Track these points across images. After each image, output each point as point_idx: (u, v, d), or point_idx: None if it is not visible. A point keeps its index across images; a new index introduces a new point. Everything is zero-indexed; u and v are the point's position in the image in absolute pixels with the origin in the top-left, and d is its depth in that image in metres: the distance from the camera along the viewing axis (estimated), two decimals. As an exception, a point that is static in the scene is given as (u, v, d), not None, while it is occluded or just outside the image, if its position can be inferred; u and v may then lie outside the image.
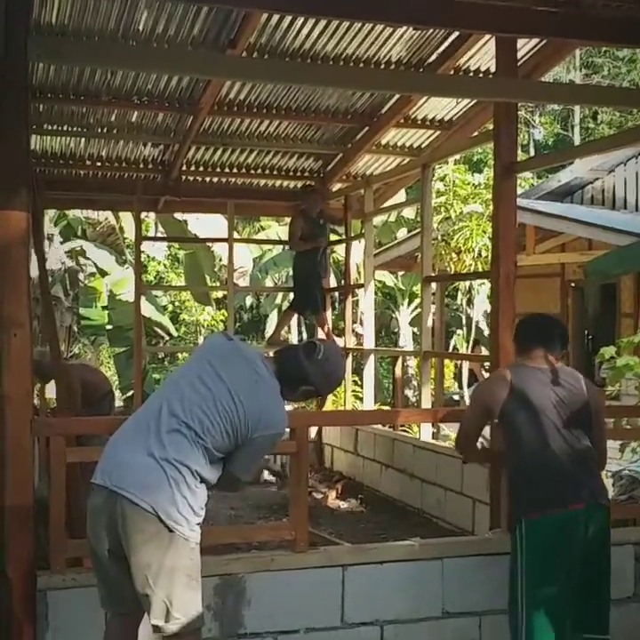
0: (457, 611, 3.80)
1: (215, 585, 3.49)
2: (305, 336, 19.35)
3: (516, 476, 3.58)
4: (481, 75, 7.05)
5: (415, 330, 17.29)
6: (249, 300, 21.97)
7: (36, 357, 4.04)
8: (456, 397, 14.59)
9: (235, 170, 9.13)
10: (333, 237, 9.96)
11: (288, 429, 3.38)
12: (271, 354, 3.37)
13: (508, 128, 5.86)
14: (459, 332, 13.78)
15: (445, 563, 3.82)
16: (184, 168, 8.91)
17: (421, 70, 6.90)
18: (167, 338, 16.03)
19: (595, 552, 3.43)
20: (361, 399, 9.34)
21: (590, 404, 3.65)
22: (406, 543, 4.03)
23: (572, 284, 14.19)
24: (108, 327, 12.47)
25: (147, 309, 11.61)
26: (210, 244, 13.80)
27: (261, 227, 19.58)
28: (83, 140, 8.29)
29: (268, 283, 17.97)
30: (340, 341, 9.03)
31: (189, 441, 3.00)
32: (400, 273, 16.26)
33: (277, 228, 16.85)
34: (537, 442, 3.54)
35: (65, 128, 7.95)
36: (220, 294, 17.23)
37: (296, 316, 14.27)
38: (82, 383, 7.40)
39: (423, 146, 8.67)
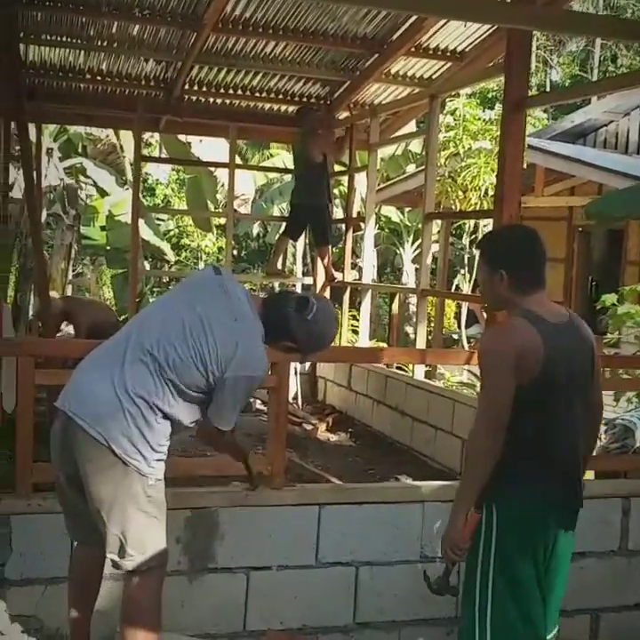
0: (436, 555, 3.72)
1: (186, 517, 3.41)
2: (310, 267, 19.23)
3: (523, 462, 2.76)
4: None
5: (418, 266, 17.13)
6: (256, 229, 21.74)
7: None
8: (455, 336, 14.50)
9: (239, 91, 8.86)
10: (338, 168, 9.71)
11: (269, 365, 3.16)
12: (262, 295, 3.20)
13: (520, 60, 5.64)
14: (462, 271, 13.61)
15: (426, 506, 3.73)
16: (187, 87, 8.64)
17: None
18: (168, 262, 15.87)
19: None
20: (358, 333, 9.24)
21: (594, 358, 2.95)
22: (386, 485, 3.95)
23: (580, 229, 14.01)
24: (107, 248, 12.30)
25: (145, 233, 11.43)
26: (213, 169, 13.53)
27: (270, 154, 19.18)
28: (82, 52, 8.02)
29: (275, 212, 17.68)
30: (338, 275, 8.87)
31: (152, 373, 2.84)
32: (406, 209, 16.01)
33: (286, 156, 16.52)
34: (562, 429, 2.79)
35: (64, 39, 7.69)
36: (222, 221, 16.99)
37: (301, 246, 14.21)
38: (91, 326, 7.34)
39: (434, 77, 8.40)
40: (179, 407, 2.89)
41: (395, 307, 8.07)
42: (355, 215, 9.37)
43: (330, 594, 3.64)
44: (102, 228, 12.42)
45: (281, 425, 3.56)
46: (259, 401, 8.01)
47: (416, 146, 14.91)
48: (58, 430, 2.92)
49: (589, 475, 4.07)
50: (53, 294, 11.78)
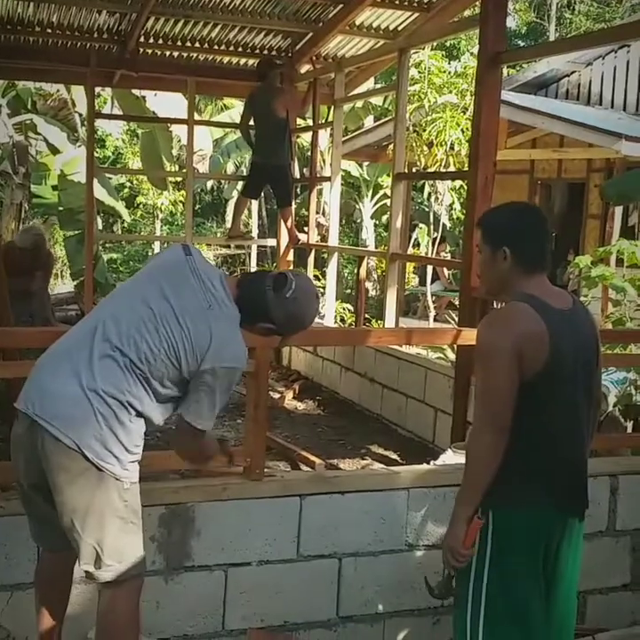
0: (421, 543, 3.57)
1: (161, 514, 3.19)
2: (265, 222, 18.91)
3: (523, 465, 2.53)
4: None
5: (376, 221, 16.90)
6: (210, 183, 21.30)
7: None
8: (416, 294, 14.36)
9: (197, 44, 8.52)
10: (301, 123, 9.39)
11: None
12: (236, 275, 2.92)
13: (496, 13, 5.38)
14: (421, 225, 13.41)
15: (412, 493, 3.56)
16: (142, 40, 8.28)
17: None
18: (122, 220, 15.43)
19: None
20: (323, 292, 9.04)
21: (599, 349, 2.70)
22: (370, 472, 3.77)
23: (540, 182, 13.87)
24: (60, 209, 11.86)
25: (99, 192, 11.00)
26: (168, 124, 13.07)
27: (224, 105, 18.64)
28: (31, 4, 7.61)
29: (230, 166, 17.28)
30: (302, 237, 8.62)
31: (123, 369, 2.58)
32: (365, 163, 15.71)
33: (241, 108, 16.07)
34: (567, 430, 2.58)
35: (10, -10, 7.27)
36: (178, 178, 16.55)
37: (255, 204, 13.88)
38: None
39: (400, 28, 8.13)
40: (153, 405, 2.65)
41: (363, 271, 7.85)
42: (317, 171, 9.09)
43: (312, 588, 3.47)
44: (54, 188, 11.94)
45: (260, 413, 3.35)
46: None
47: (376, 98, 14.59)
48: (20, 434, 2.65)
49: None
50: None
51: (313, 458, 5.58)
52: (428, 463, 4.95)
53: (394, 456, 6.01)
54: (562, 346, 2.49)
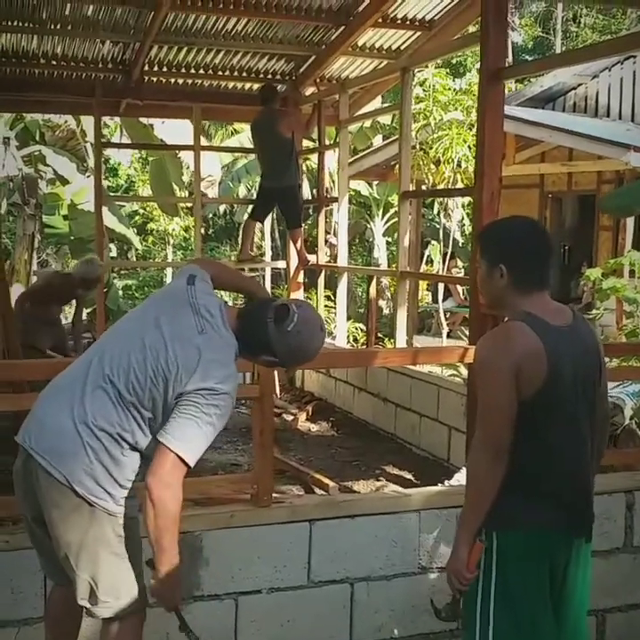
0: (434, 566, 3.52)
1: (169, 544, 3.16)
2: (279, 244, 18.92)
3: (526, 485, 2.47)
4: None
5: (388, 239, 16.90)
6: (223, 207, 21.37)
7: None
8: (430, 310, 14.32)
9: (201, 71, 8.54)
10: (308, 145, 9.42)
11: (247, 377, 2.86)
12: (239, 305, 2.85)
13: (496, 29, 5.35)
14: (434, 242, 13.39)
15: (423, 515, 3.52)
16: (146, 68, 8.30)
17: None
18: (134, 248, 15.48)
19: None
20: (334, 314, 9.01)
21: (602, 364, 2.63)
22: (380, 495, 3.73)
23: (551, 195, 13.84)
24: (71, 238, 11.93)
25: (109, 220, 11.07)
26: (177, 151, 13.15)
27: (234, 130, 18.74)
28: (35, 36, 7.66)
29: (242, 190, 17.30)
30: (312, 258, 8.61)
31: (113, 400, 2.54)
32: (375, 182, 15.72)
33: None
34: (568, 449, 2.51)
35: (15, 23, 7.32)
36: (188, 204, 16.60)
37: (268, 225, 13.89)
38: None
39: (403, 48, 8.12)
40: (147, 438, 2.59)
41: (373, 290, 7.83)
42: (325, 192, 9.08)
43: (324, 614, 3.43)
44: (65, 217, 12.03)
45: (266, 439, 3.32)
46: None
47: (385, 118, 14.62)
48: (19, 468, 2.63)
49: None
50: (18, 286, 11.46)
51: (326, 480, 5.52)
52: (443, 483, 4.91)
53: (408, 476, 5.95)
54: (560, 363, 2.44)
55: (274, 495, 3.71)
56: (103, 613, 2.61)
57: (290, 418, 7.54)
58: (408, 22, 7.67)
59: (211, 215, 21.31)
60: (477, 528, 2.49)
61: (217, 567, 3.26)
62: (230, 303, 2.99)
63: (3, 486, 2.99)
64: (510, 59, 25.95)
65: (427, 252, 15.22)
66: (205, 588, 3.26)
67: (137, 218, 19.80)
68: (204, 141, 16.69)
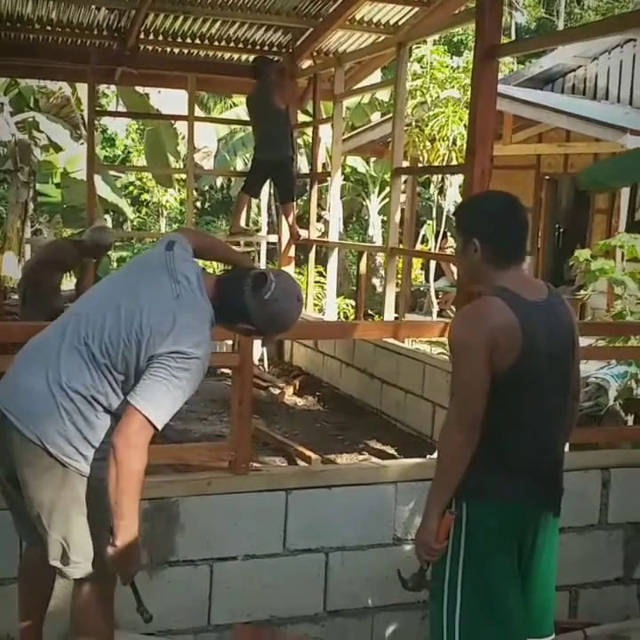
0: (409, 537, 3.54)
1: (144, 509, 3.16)
2: (275, 219, 18.87)
3: (497, 457, 2.49)
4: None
5: (384, 217, 16.87)
6: (220, 180, 21.29)
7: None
8: (423, 289, 14.32)
9: (197, 40, 8.50)
10: (301, 119, 9.38)
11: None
12: (218, 273, 2.80)
13: (492, 6, 5.33)
14: (429, 222, 13.37)
15: (399, 487, 3.54)
16: (142, 37, 8.28)
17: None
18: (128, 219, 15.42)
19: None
20: (324, 288, 9.01)
21: (576, 340, 2.64)
22: (357, 465, 3.75)
23: (547, 177, 13.80)
24: (64, 206, 11.87)
25: (102, 190, 11.02)
26: (172, 121, 13.07)
27: (233, 103, 18.60)
28: (30, 1, 7.61)
29: (239, 163, 17.22)
30: (304, 233, 8.59)
31: (86, 362, 2.53)
32: (372, 159, 15.67)
33: (249, 105, 16.02)
34: (540, 423, 2.52)
35: (10, -13, 7.28)
36: (183, 175, 16.54)
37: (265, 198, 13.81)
38: None
39: (401, 23, 8.08)
40: (119, 400, 2.58)
41: (363, 266, 7.82)
42: (320, 167, 9.05)
43: (299, 582, 3.45)
44: (57, 186, 11.97)
45: (245, 408, 3.32)
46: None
47: (383, 93, 14.55)
48: None
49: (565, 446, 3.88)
50: (9, 254, 11.41)
51: (309, 453, 5.56)
52: (425, 458, 4.93)
53: (391, 451, 5.98)
54: (535, 338, 2.45)
55: (255, 465, 3.74)
56: (74, 574, 2.63)
57: (277, 391, 7.56)
58: (406, -3, 7.63)
59: (206, 188, 21.23)
60: (447, 500, 2.51)
61: (193, 533, 3.28)
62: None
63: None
64: (514, 38, 25.89)
65: (422, 231, 15.22)
66: (181, 554, 3.28)
67: (131, 188, 19.73)
68: (201, 113, 16.64)
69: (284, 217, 8.69)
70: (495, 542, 2.51)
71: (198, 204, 21.12)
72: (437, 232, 11.61)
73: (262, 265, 18.03)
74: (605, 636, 3.62)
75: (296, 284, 2.87)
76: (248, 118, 9.53)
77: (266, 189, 9.73)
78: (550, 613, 2.69)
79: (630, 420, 6.19)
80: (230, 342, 3.35)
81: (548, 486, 2.59)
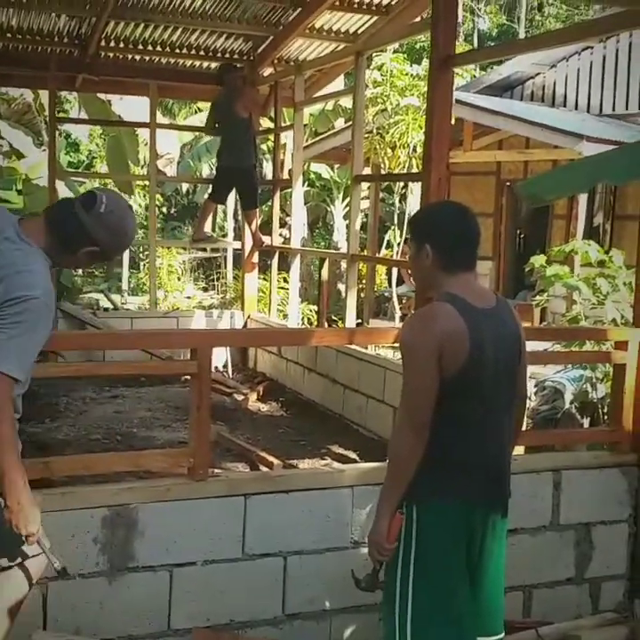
0: (366, 540, 3.60)
1: (103, 516, 3.21)
2: (241, 225, 18.89)
3: (445, 459, 2.58)
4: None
5: (348, 222, 16.95)
6: (185, 186, 21.25)
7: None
8: (387, 294, 14.43)
9: (158, 48, 8.51)
10: (265, 125, 9.42)
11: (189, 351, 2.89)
12: (36, 216, 2.71)
13: (446, 17, 5.42)
14: (392, 227, 13.48)
15: (356, 491, 3.60)
16: (103, 44, 8.28)
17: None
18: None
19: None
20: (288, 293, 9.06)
21: (522, 347, 2.73)
22: (314, 471, 3.80)
23: (508, 183, 13.98)
24: (25, 213, 11.80)
25: (65, 195, 10.96)
26: (134, 128, 13.05)
27: (198, 108, 18.60)
28: (-10, 9, 7.58)
29: (205, 169, 17.22)
30: (267, 239, 8.65)
31: None
32: (336, 165, 15.77)
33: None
34: (486, 426, 2.61)
35: (-32, -6, 7.24)
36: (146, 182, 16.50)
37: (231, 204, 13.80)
38: None
39: (360, 32, 8.16)
40: None
41: (325, 272, 7.90)
42: (286, 173, 9.10)
43: (258, 586, 3.50)
44: (19, 192, 11.91)
45: (203, 415, 3.36)
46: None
47: (346, 101, 14.64)
48: None
49: (519, 449, 3.97)
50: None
51: (271, 459, 5.60)
52: (383, 462, 5.00)
53: (353, 455, 6.04)
54: (482, 344, 2.53)
55: (215, 471, 3.78)
56: None
57: (240, 397, 7.60)
58: (365, 6, 7.71)
59: (171, 193, 21.19)
60: (398, 501, 2.59)
61: (152, 539, 3.31)
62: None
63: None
64: (476, 45, 26.12)
65: (386, 237, 15.32)
66: (140, 560, 3.31)
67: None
68: (164, 119, 16.63)
69: (246, 224, 8.74)
70: (444, 543, 2.58)
71: (164, 209, 21.07)
72: (404, 239, 11.72)
73: (229, 270, 18.14)
74: (558, 634, 3.71)
75: (120, 195, 2.86)
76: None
77: (232, 195, 9.77)
78: (500, 613, 2.76)
79: (586, 422, 6.31)
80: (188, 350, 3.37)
81: (494, 487, 2.67)
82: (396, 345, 6.92)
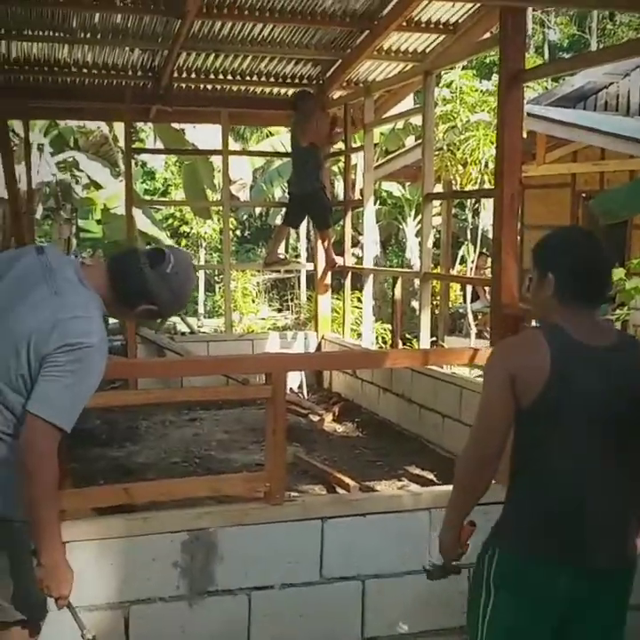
0: (444, 564, 3.58)
1: (183, 540, 3.27)
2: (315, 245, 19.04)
3: (533, 506, 2.41)
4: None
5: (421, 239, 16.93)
6: (258, 209, 21.55)
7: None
8: (462, 310, 14.33)
9: (229, 76, 8.67)
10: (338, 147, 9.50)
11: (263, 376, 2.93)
12: (99, 260, 2.72)
13: (515, 32, 5.41)
14: (466, 242, 13.42)
15: (433, 514, 3.58)
16: (175, 75, 8.45)
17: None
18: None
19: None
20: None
21: None
22: (392, 494, 3.79)
23: (583, 194, 13.76)
24: (105, 242, 12.15)
25: (142, 223, 11.24)
26: (208, 156, 13.31)
27: (269, 132, 18.86)
28: (66, 45, 7.83)
29: (277, 192, 17.44)
30: (339, 260, 8.70)
31: None
32: (408, 183, 15.78)
33: (285, 136, 16.26)
34: (570, 471, 2.39)
35: (46, 33, 7.50)
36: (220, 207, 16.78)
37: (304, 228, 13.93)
38: None
39: (428, 51, 8.16)
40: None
41: (397, 291, 7.89)
42: (357, 193, 9.14)
43: (336, 610, 3.51)
44: (98, 222, 12.26)
45: (279, 439, 3.40)
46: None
47: (416, 119, 14.65)
48: None
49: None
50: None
51: (348, 480, 5.60)
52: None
53: (430, 476, 5.99)
54: (568, 381, 2.36)
55: (292, 494, 3.81)
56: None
57: (316, 418, 7.62)
58: (432, 25, 7.71)
59: (245, 217, 21.49)
60: (463, 514, 2.56)
61: (231, 563, 3.35)
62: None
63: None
64: (547, 57, 25.86)
65: (460, 253, 15.24)
66: (220, 583, 3.36)
67: (171, 221, 20.05)
68: (236, 145, 16.89)
69: (320, 243, 8.82)
70: (524, 598, 2.40)
71: (238, 232, 21.39)
72: (479, 253, 11.65)
73: (302, 291, 18.28)
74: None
75: (188, 253, 2.84)
76: (283, 147, 9.68)
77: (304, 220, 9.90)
78: None
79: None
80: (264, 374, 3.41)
81: (579, 542, 2.40)
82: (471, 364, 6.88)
